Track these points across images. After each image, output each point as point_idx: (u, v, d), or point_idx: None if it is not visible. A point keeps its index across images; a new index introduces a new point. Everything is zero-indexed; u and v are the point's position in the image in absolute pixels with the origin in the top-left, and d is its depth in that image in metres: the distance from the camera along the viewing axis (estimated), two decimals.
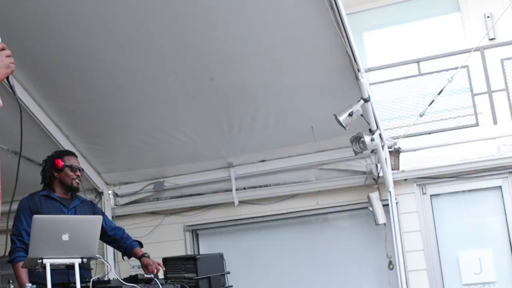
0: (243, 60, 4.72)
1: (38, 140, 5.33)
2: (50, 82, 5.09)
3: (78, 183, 4.37)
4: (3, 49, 2.15)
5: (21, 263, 3.90)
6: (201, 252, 5.95)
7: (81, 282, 3.46)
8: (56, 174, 4.31)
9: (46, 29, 4.61)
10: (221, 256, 4.62)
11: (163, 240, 5.85)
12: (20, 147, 2.21)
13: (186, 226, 6.00)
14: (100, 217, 3.84)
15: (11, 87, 2.21)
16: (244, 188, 5.72)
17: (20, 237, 4.11)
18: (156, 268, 4.24)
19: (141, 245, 4.57)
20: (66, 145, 5.48)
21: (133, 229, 5.51)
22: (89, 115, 5.38)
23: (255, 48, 4.59)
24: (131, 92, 5.09)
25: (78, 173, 4.38)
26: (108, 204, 6.02)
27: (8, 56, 2.15)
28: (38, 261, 3.39)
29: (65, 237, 3.41)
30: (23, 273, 3.97)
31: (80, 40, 4.64)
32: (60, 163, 4.33)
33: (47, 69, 4.93)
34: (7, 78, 2.16)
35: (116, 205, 6.11)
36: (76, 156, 4.58)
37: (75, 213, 4.37)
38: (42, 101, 5.25)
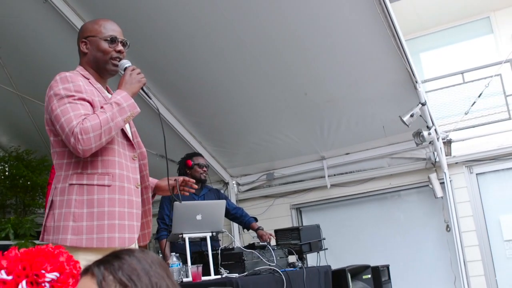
0: (329, 78, 5.26)
1: (178, 146, 6.07)
2: (185, 102, 5.94)
3: (205, 176, 5.04)
4: (133, 69, 2.46)
5: (164, 240, 4.65)
6: (304, 225, 6.53)
7: (212, 251, 3.90)
8: (188, 171, 4.98)
9: (180, 64, 5.36)
10: (318, 226, 5.15)
11: (274, 217, 6.54)
12: (165, 151, 2.60)
13: (292, 205, 6.67)
14: (224, 201, 4.38)
15: (147, 94, 2.56)
16: (334, 175, 6.37)
17: (163, 220, 4.78)
18: (268, 237, 4.79)
19: (256, 220, 5.16)
20: (199, 149, 6.37)
21: (252, 209, 6.40)
22: (215, 126, 6.27)
23: (338, 68, 5.14)
24: (246, 106, 5.85)
25: (205, 168, 5.03)
26: (232, 191, 6.87)
27: (139, 74, 2.46)
28: (179, 235, 3.93)
29: (199, 217, 3.91)
30: (166, 247, 4.57)
31: (205, 69, 5.37)
32: (190, 162, 5.01)
33: (183, 92, 5.76)
34: (142, 89, 2.49)
35: (239, 192, 6.95)
36: (203, 156, 5.28)
37: (204, 199, 4.95)
38: (180, 117, 6.19)
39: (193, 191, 2.84)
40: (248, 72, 5.37)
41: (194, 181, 2.83)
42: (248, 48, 5.06)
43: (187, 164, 5.05)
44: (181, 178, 2.77)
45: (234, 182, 7.00)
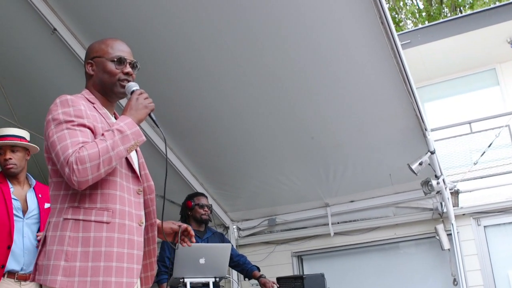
0: (336, 122, 5.18)
1: (179, 187, 6.00)
2: (187, 142, 5.82)
3: (207, 217, 4.95)
4: (141, 93, 2.28)
5: (164, 284, 4.52)
6: (305, 273, 6.36)
7: None
8: (189, 213, 4.95)
9: (182, 102, 5.26)
10: (322, 275, 5.07)
11: (275, 264, 6.35)
12: (164, 186, 2.41)
13: (293, 252, 6.50)
14: (230, 245, 4.37)
15: (154, 121, 2.33)
16: (338, 223, 6.23)
17: (163, 263, 4.67)
18: (271, 286, 4.72)
19: (258, 269, 5.07)
20: (200, 190, 6.11)
21: (252, 255, 6.18)
22: (218, 167, 6.13)
23: (345, 112, 5.04)
24: (249, 148, 5.73)
25: (206, 209, 4.96)
26: (233, 236, 6.70)
27: (146, 98, 2.28)
28: (181, 280, 3.88)
29: (202, 260, 3.87)
30: None
31: (208, 109, 5.29)
32: (191, 203, 4.99)
33: (185, 131, 5.64)
34: (150, 115, 2.30)
35: (239, 236, 6.79)
36: (205, 196, 5.20)
37: (208, 242, 4.81)
38: (182, 156, 6.08)
39: (190, 245, 2.61)
40: (253, 113, 5.31)
41: (194, 235, 2.60)
42: (254, 89, 5.01)
43: (188, 206, 4.98)
44: (184, 226, 2.58)
45: (234, 226, 6.87)
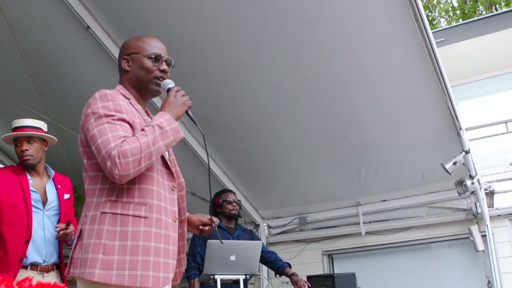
0: (369, 121, 5.12)
1: (211, 185, 6.23)
2: (219, 139, 5.79)
3: (235, 212, 4.97)
4: (178, 90, 2.30)
5: (194, 280, 4.51)
6: (335, 272, 6.25)
7: None
8: (218, 210, 4.98)
9: (213, 100, 5.29)
10: (353, 275, 5.01)
11: (305, 262, 6.29)
12: (209, 178, 2.45)
13: (324, 251, 6.46)
14: (261, 242, 4.33)
15: (192, 118, 2.35)
16: (369, 222, 6.17)
17: (194, 258, 4.64)
18: (303, 284, 4.70)
19: (289, 266, 5.05)
20: (231, 188, 6.16)
21: (282, 253, 5.84)
22: (249, 165, 6.17)
23: (378, 111, 4.99)
24: (281, 146, 5.70)
25: (234, 204, 4.97)
26: (263, 234, 6.68)
27: (184, 96, 2.30)
28: (211, 276, 3.85)
29: (233, 257, 3.83)
30: (195, 287, 4.52)
31: (240, 107, 5.36)
32: (218, 200, 5.02)
33: (216, 129, 5.62)
34: (187, 113, 2.31)
35: (269, 234, 6.77)
36: (233, 192, 5.21)
37: (238, 240, 4.82)
38: (214, 154, 6.08)
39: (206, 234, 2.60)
40: (284, 112, 5.29)
41: (214, 224, 2.59)
42: (286, 88, 4.99)
43: (216, 203, 5.00)
44: (216, 220, 2.60)
45: (265, 224, 6.84)
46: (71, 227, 3.50)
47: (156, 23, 4.63)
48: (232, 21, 4.46)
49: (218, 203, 4.98)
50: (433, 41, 4.22)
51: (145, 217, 2.13)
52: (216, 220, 2.58)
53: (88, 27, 4.83)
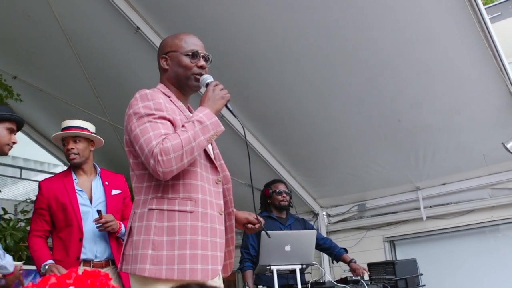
0: (424, 104, 5.04)
1: (266, 175, 5.86)
2: (273, 130, 5.90)
3: (285, 203, 4.91)
4: (216, 84, 2.32)
5: (248, 271, 4.57)
6: (397, 258, 6.15)
7: (301, 284, 3.81)
8: (268, 201, 4.96)
9: (265, 90, 5.33)
10: (414, 261, 4.92)
11: (367, 250, 6.23)
12: (250, 177, 2.49)
13: (385, 237, 6.36)
14: (314, 231, 4.27)
15: (231, 111, 2.36)
16: (430, 206, 6.01)
17: (247, 250, 4.65)
18: (362, 272, 4.63)
19: (346, 251, 5.00)
20: (288, 178, 6.27)
21: (343, 241, 6.06)
22: (304, 154, 6.13)
23: (434, 93, 4.91)
24: (336, 134, 5.68)
25: (284, 195, 4.92)
26: (322, 222, 6.66)
27: (222, 89, 2.32)
28: (267, 267, 3.84)
29: (287, 248, 3.81)
30: (250, 279, 4.54)
31: (292, 96, 5.36)
32: (268, 191, 4.99)
33: (269, 120, 5.72)
34: (226, 106, 2.33)
35: (329, 223, 6.75)
36: (283, 182, 5.17)
37: (291, 229, 4.79)
38: (268, 145, 6.15)
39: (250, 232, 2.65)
40: (338, 98, 5.27)
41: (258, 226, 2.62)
42: (339, 75, 4.97)
43: (266, 194, 4.99)
44: (262, 221, 2.63)
45: (324, 213, 6.81)
46: (108, 216, 3.57)
47: (204, 20, 4.69)
48: (281, 13, 4.48)
49: (268, 194, 4.95)
50: (486, 17, 4.13)
51: (191, 212, 2.17)
52: (262, 221, 2.62)
53: (138, 28, 4.96)
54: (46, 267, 3.43)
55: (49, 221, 3.65)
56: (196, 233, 2.16)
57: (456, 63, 4.64)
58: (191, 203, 2.19)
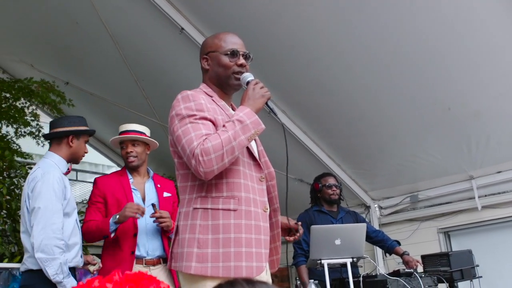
0: (474, 91, 4.98)
1: (316, 169, 5.82)
2: (321, 124, 5.89)
3: (335, 196, 4.85)
4: (256, 83, 2.33)
5: (302, 266, 4.53)
6: (453, 250, 6.02)
7: (353, 278, 3.75)
8: (318, 195, 4.90)
9: (312, 85, 5.33)
10: (470, 252, 4.70)
11: (420, 241, 6.08)
12: (286, 166, 2.34)
13: (439, 229, 6.22)
14: (365, 224, 4.19)
15: (271, 110, 2.38)
16: (485, 196, 5.84)
17: (300, 245, 4.60)
18: (415, 264, 4.54)
19: (399, 244, 4.90)
20: (338, 171, 6.21)
21: (396, 234, 5.95)
22: (354, 147, 6.10)
23: (482, 79, 4.83)
24: (385, 125, 5.64)
25: (334, 188, 4.85)
26: (374, 215, 6.59)
27: (262, 88, 2.33)
28: (318, 261, 3.78)
29: (338, 241, 3.76)
30: (304, 273, 4.51)
31: (339, 89, 5.34)
32: (318, 185, 4.92)
33: (317, 114, 5.73)
34: (267, 104, 2.34)
35: (381, 215, 6.66)
36: (333, 175, 5.11)
37: (342, 223, 4.73)
38: (317, 139, 6.12)
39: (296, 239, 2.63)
40: (385, 90, 5.21)
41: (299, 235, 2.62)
42: (386, 66, 4.93)
43: (315, 188, 4.95)
44: (296, 227, 2.60)
45: (376, 205, 6.72)
46: (163, 212, 3.67)
47: (248, 19, 4.72)
48: (324, 8, 4.50)
49: (318, 188, 4.91)
50: None
51: (234, 210, 2.20)
52: (300, 229, 2.60)
53: (182, 28, 5.04)
54: (117, 216, 3.54)
55: (103, 213, 3.78)
56: (240, 231, 2.19)
57: (504, 49, 4.54)
58: (235, 201, 2.21)
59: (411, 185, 6.36)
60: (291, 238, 2.59)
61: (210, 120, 2.25)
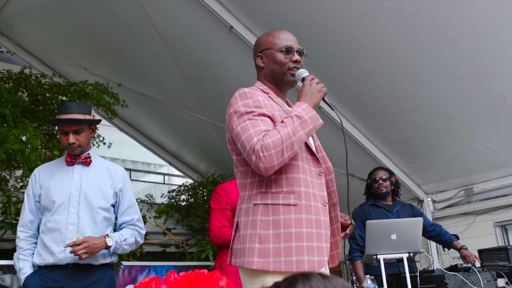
0: None
1: (367, 164, 5.79)
2: (371, 118, 5.85)
3: (384, 190, 4.76)
4: (312, 78, 2.36)
5: (357, 261, 4.48)
6: (510, 244, 5.87)
7: (409, 273, 3.71)
8: (372, 191, 4.85)
9: (362, 78, 5.31)
10: None
11: (476, 235, 5.92)
12: (346, 166, 2.40)
13: (496, 222, 6.06)
14: (421, 219, 4.14)
15: (329, 104, 2.40)
16: None
17: (355, 240, 4.54)
18: (473, 260, 4.42)
19: (457, 238, 4.80)
20: (390, 165, 6.03)
21: (450, 228, 5.63)
22: (406, 140, 6.00)
23: None
24: (438, 117, 5.53)
25: (380, 182, 4.78)
26: (428, 209, 6.47)
27: (318, 83, 2.35)
28: (374, 256, 3.76)
29: (394, 236, 3.73)
30: (360, 269, 4.48)
31: (391, 81, 5.27)
32: (368, 181, 4.92)
33: (367, 107, 5.68)
34: (323, 99, 2.36)
35: (435, 209, 6.54)
36: (381, 168, 5.04)
37: (398, 217, 4.67)
38: (367, 133, 6.07)
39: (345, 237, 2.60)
40: (438, 81, 5.11)
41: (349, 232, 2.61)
42: (437, 57, 4.84)
43: (367, 184, 4.95)
44: (347, 223, 2.60)
45: (429, 199, 6.61)
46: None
47: (295, 15, 4.71)
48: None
49: (368, 184, 4.91)
50: None
51: (294, 205, 2.21)
52: (352, 223, 2.60)
53: (232, 27, 5.08)
54: None
55: (231, 220, 3.89)
56: (301, 225, 2.20)
57: None
58: (294, 196, 2.23)
59: (466, 178, 6.23)
60: (342, 235, 2.57)
61: (268, 117, 2.27)
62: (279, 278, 2.08)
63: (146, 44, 5.85)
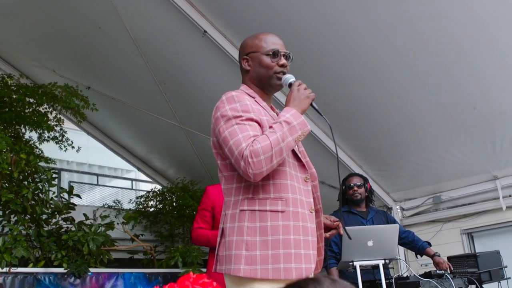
0: (499, 89, 4.91)
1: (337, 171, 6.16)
2: (342, 124, 5.73)
3: (358, 197, 4.78)
4: (300, 84, 2.34)
5: (333, 268, 4.43)
6: (476, 251, 5.85)
7: (385, 279, 3.75)
8: (346, 197, 4.84)
9: (333, 84, 5.26)
10: (498, 253, 4.68)
11: (443, 243, 5.95)
12: (337, 166, 2.54)
13: (462, 230, 6.13)
14: (397, 225, 4.20)
15: (317, 110, 2.39)
16: (510, 196, 5.76)
17: (330, 247, 4.53)
18: (446, 267, 4.46)
19: (429, 245, 4.84)
20: (360, 172, 5.85)
21: (418, 235, 5.40)
22: (375, 148, 6.05)
23: (507, 77, 4.76)
24: (408, 125, 5.59)
25: (355, 188, 4.79)
26: (396, 216, 6.44)
27: (306, 89, 2.34)
28: (350, 263, 3.79)
29: (370, 243, 3.76)
30: (335, 276, 4.25)
31: (362, 88, 5.30)
32: (342, 187, 4.84)
33: (338, 114, 5.58)
34: (311, 105, 2.36)
35: (403, 217, 6.59)
36: (356, 175, 5.05)
37: (373, 223, 4.69)
38: (338, 140, 5.92)
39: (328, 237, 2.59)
40: (409, 88, 5.17)
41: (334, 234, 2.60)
42: (409, 65, 4.90)
43: (342, 190, 4.90)
44: (337, 223, 2.59)
45: (398, 206, 6.67)
46: None
47: (270, 21, 4.72)
48: (346, 4, 4.50)
49: (342, 190, 4.87)
50: None
51: (282, 211, 2.19)
52: (340, 225, 2.59)
53: (205, 31, 5.05)
54: None
55: (209, 222, 4.04)
56: (289, 232, 2.17)
57: None
58: (282, 202, 2.20)
59: (434, 186, 6.30)
60: (328, 234, 2.56)
61: (256, 121, 2.24)
62: (266, 286, 2.07)
63: (117, 46, 5.77)
